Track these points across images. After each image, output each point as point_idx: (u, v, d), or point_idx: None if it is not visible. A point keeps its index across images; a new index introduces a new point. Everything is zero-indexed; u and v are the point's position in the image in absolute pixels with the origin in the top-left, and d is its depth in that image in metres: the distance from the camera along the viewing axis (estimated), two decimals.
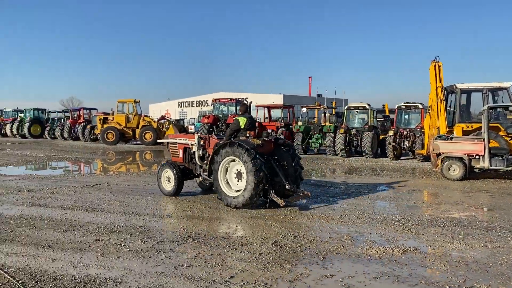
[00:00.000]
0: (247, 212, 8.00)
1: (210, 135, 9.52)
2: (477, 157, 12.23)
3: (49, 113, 40.44)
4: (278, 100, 75.58)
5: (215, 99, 26.19)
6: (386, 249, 5.80)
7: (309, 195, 8.52)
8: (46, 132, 36.39)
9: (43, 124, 37.56)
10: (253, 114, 29.44)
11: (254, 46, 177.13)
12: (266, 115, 24.79)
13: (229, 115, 24.53)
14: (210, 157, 8.64)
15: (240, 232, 6.69)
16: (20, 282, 4.51)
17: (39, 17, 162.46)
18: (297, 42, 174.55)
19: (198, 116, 55.51)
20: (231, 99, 25.59)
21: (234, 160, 8.24)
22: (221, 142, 8.58)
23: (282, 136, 9.57)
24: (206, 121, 24.81)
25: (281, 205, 8.01)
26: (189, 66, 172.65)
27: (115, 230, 6.68)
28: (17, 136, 37.21)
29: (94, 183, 11.53)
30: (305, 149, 22.06)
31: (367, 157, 19.76)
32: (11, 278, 4.58)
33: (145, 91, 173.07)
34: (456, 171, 12.34)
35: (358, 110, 20.86)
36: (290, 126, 23.41)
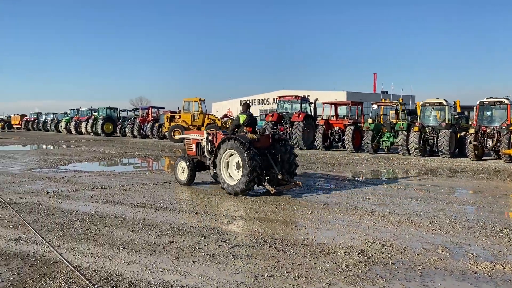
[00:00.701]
0: (324, 216, 7.46)
1: (217, 131, 10.43)
2: None
3: (120, 112, 42.18)
4: (341, 97, 73.61)
5: (280, 97, 25.68)
6: (494, 265, 5.01)
7: (300, 184, 9.44)
8: (118, 130, 37.94)
9: (115, 122, 39.22)
10: (319, 111, 28.85)
11: (316, 42, 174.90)
12: (333, 113, 23.96)
13: (294, 113, 23.98)
14: (214, 150, 9.69)
15: (320, 238, 6.16)
16: (96, 286, 4.31)
17: (111, 19, 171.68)
18: (361, 38, 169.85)
19: (260, 114, 55.34)
20: (295, 96, 24.94)
21: (232, 154, 9.24)
22: (223, 137, 9.54)
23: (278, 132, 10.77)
24: (270, 119, 24.47)
25: (272, 192, 8.86)
26: (252, 65, 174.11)
27: (188, 231, 6.43)
28: (91, 133, 39.15)
29: (164, 180, 11.52)
30: (375, 148, 20.99)
31: (443, 157, 18.38)
32: (87, 282, 4.40)
33: (208, 90, 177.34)
34: None
35: (434, 107, 19.42)
36: (359, 124, 22.39)
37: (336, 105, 23.80)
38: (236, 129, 9.79)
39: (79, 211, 7.74)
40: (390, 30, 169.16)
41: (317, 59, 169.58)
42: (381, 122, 22.14)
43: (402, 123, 19.88)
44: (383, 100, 23.29)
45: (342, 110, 30.89)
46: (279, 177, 9.28)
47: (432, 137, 19.10)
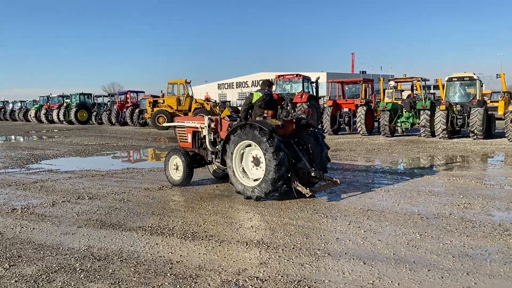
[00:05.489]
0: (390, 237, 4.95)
1: (222, 117, 8.18)
2: None
3: (95, 98, 38.55)
4: (322, 78, 71.42)
5: (278, 76, 22.95)
6: None
7: (338, 182, 7.46)
8: (93, 118, 34.61)
9: (89, 110, 35.73)
10: (322, 92, 26.31)
11: (293, 24, 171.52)
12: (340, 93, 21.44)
13: (296, 93, 21.40)
14: (222, 142, 7.41)
15: None
16: None
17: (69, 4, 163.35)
18: (338, 20, 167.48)
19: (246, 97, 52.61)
20: (296, 75, 22.27)
21: (250, 145, 7.04)
22: (234, 123, 7.43)
23: (304, 115, 7.63)
24: None
25: (307, 195, 6.77)
26: (226, 47, 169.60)
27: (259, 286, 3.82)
28: (64, 122, 35.58)
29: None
30: (392, 131, 18.68)
31: (474, 138, 16.19)
32: None
33: (183, 74, 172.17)
34: None
35: (462, 82, 17.10)
36: (370, 104, 20.02)
37: (343, 83, 21.22)
38: (250, 110, 7.49)
39: (62, 248, 4.97)
40: (366, 10, 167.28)
41: (293, 40, 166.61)
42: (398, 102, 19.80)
43: (425, 102, 17.55)
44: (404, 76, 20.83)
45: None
46: (313, 174, 7.12)
47: (461, 116, 16.85)
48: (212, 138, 8.01)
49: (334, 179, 7.52)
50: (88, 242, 5.13)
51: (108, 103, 37.26)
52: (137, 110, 30.05)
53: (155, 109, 27.17)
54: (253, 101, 7.42)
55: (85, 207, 6.83)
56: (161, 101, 27.73)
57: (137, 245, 4.98)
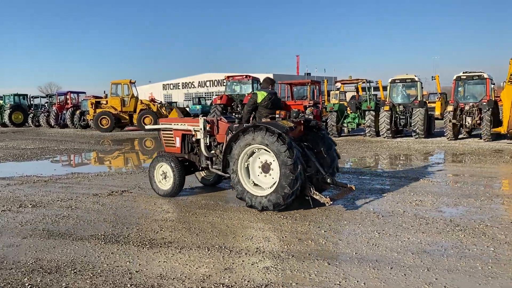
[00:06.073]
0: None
1: (219, 118, 7.39)
2: None
3: (31, 99, 36.37)
4: None
5: (228, 77, 22.86)
6: None
7: (353, 188, 6.78)
8: (30, 120, 32.66)
9: (25, 111, 33.78)
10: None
11: (238, 25, 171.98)
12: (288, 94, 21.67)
13: (246, 94, 21.39)
14: (225, 146, 6.73)
15: None
16: None
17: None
18: (284, 22, 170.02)
19: (194, 98, 51.89)
20: (246, 76, 22.30)
21: (259, 149, 6.34)
22: (235, 125, 6.80)
23: (311, 117, 7.32)
24: (218, 101, 21.64)
25: (327, 204, 6.06)
26: (171, 47, 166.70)
27: None
28: None
29: (120, 187, 8.41)
30: (339, 131, 19.19)
31: (416, 138, 17.00)
32: None
33: (125, 74, 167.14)
34: None
35: (405, 84, 17.90)
36: (318, 105, 20.43)
37: (292, 84, 21.51)
38: (253, 112, 6.93)
39: (7, 261, 4.54)
40: (312, 13, 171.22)
41: (240, 41, 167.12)
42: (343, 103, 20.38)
43: (370, 103, 18.19)
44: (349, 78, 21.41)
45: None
46: (328, 180, 6.61)
47: (404, 117, 17.64)
48: (208, 141, 7.26)
49: (348, 185, 6.90)
50: (36, 254, 4.73)
51: (46, 104, 35.38)
52: (78, 112, 28.76)
53: (98, 110, 26.13)
54: (258, 101, 6.82)
55: (29, 216, 6.34)
56: (104, 102, 26.74)
57: (91, 255, 4.67)
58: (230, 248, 4.83)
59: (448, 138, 16.23)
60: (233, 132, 6.68)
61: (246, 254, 4.65)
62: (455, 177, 8.88)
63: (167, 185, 7.37)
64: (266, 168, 6.33)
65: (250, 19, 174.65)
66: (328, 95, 25.60)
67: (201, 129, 7.15)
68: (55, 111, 30.30)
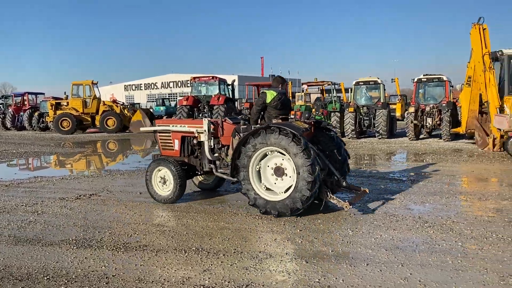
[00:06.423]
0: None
1: (223, 119, 7.08)
2: None
3: None
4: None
5: (194, 78, 22.71)
6: None
7: (367, 191, 6.73)
8: None
9: None
10: (237, 94, 26.52)
11: (202, 26, 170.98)
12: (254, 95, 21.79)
13: (212, 96, 21.34)
14: (233, 149, 6.37)
15: None
16: None
17: None
18: (248, 23, 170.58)
19: (157, 99, 51.10)
20: (212, 77, 22.24)
21: (272, 151, 6.04)
22: (243, 127, 6.48)
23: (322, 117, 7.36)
24: (185, 103, 21.47)
25: (346, 209, 5.91)
26: (133, 47, 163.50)
27: None
28: None
29: (88, 191, 8.18)
30: None
31: (380, 138, 17.51)
32: None
33: (85, 75, 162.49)
34: None
35: (368, 86, 18.39)
36: None
37: (260, 86, 21.63)
38: (262, 113, 6.60)
39: None
40: (274, 15, 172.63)
41: (204, 42, 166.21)
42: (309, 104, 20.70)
43: (335, 104, 18.55)
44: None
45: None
46: (344, 184, 6.41)
47: (367, 118, 18.12)
48: (212, 144, 6.89)
49: (361, 188, 6.78)
50: (4, 261, 4.54)
51: (1, 105, 33.89)
52: (36, 114, 27.76)
53: (58, 112, 25.34)
54: (267, 101, 6.48)
55: None
56: (65, 104, 25.97)
57: (64, 261, 4.52)
58: (208, 250, 4.81)
59: (410, 138, 16.81)
60: (241, 133, 6.42)
61: (224, 255, 4.64)
62: (420, 176, 9.20)
63: (167, 191, 6.94)
64: (279, 171, 6.04)
65: (217, 20, 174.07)
66: (293, 96, 25.96)
67: (205, 130, 6.76)
68: (12, 113, 29.12)
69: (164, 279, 4.02)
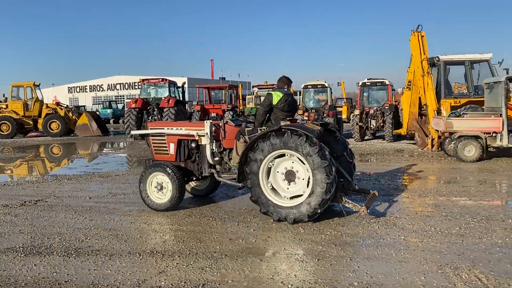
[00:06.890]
0: None
1: (225, 122, 6.76)
2: (493, 134, 10.99)
3: None
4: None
5: (143, 80, 22.30)
6: None
7: (377, 194, 6.63)
8: None
9: None
10: (188, 96, 26.26)
11: (150, 27, 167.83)
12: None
13: (162, 98, 21.08)
14: (241, 153, 6.03)
15: None
16: None
17: None
18: (199, 25, 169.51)
19: (104, 101, 49.53)
20: (162, 79, 21.96)
21: (282, 155, 5.82)
22: (248, 129, 6.37)
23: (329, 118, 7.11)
24: (133, 105, 21.02)
25: (363, 213, 5.78)
26: (75, 47, 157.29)
27: None
28: None
29: (34, 197, 7.88)
30: None
31: None
32: None
33: (23, 76, 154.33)
34: (472, 151, 11.00)
35: (316, 89, 18.97)
36: (236, 109, 20.83)
37: (211, 89, 21.65)
38: (267, 115, 6.41)
39: None
40: (224, 17, 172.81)
41: (152, 44, 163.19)
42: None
43: None
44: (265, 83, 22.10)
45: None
46: (356, 187, 6.47)
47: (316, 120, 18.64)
48: (214, 148, 6.62)
49: (371, 191, 6.67)
50: None
51: None
52: None
53: None
54: (273, 103, 6.27)
55: None
56: (4, 106, 24.66)
57: (11, 269, 4.38)
58: (162, 252, 4.83)
59: (355, 139, 17.51)
60: (246, 136, 6.25)
61: (179, 256, 4.68)
62: (365, 175, 9.65)
63: (164, 198, 6.54)
64: (291, 175, 5.83)
65: (165, 22, 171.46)
66: (244, 99, 26.25)
67: (207, 133, 6.45)
68: None
69: (119, 283, 4.01)
